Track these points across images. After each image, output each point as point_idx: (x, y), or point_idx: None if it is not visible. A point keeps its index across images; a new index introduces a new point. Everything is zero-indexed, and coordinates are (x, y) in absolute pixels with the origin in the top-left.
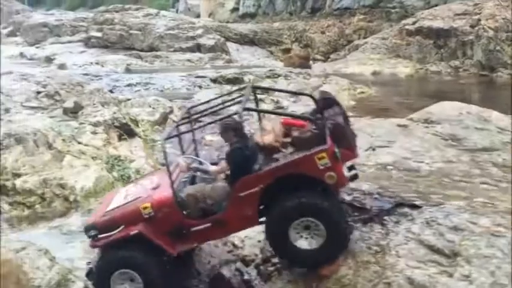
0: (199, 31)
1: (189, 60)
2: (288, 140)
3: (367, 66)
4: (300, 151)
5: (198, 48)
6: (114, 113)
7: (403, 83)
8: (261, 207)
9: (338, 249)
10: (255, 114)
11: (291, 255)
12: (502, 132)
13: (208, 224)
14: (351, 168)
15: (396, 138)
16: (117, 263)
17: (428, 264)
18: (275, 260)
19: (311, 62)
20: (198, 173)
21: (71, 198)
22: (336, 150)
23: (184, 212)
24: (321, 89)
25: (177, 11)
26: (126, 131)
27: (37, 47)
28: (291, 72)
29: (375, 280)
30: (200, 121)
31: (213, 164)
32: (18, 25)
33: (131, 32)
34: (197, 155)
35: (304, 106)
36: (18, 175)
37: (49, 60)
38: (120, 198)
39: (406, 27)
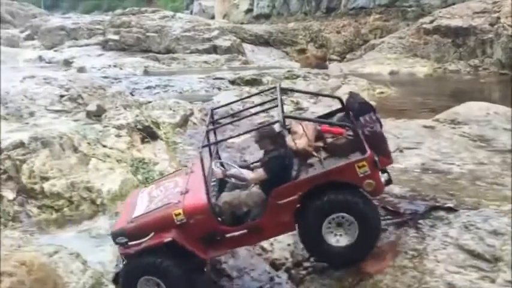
0: (215, 32)
1: (205, 62)
2: (320, 144)
3: (384, 66)
4: (334, 157)
5: (214, 49)
6: (137, 115)
7: (422, 83)
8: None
9: (370, 246)
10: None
11: (325, 253)
12: None
13: (244, 231)
14: (383, 172)
15: (424, 140)
16: (143, 270)
17: (469, 269)
18: (307, 263)
19: (327, 62)
20: (234, 180)
21: (98, 201)
22: (376, 158)
23: (219, 219)
24: (350, 91)
25: (191, 13)
26: (149, 134)
27: (55, 50)
28: (309, 72)
29: (413, 285)
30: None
31: (241, 167)
32: (36, 29)
33: (148, 34)
34: (219, 157)
35: (324, 107)
36: (46, 178)
37: (67, 63)
38: (145, 202)
39: (424, 26)
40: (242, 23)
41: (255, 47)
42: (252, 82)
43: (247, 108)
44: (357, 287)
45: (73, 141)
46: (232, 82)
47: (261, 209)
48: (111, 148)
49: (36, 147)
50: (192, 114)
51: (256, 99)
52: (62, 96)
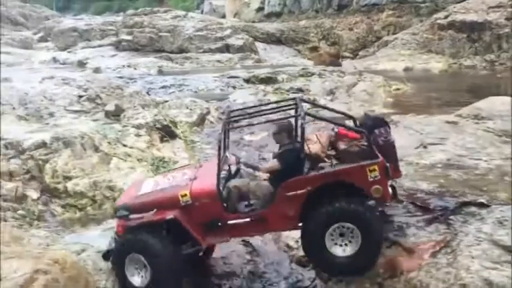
0: (228, 31)
1: (218, 61)
2: (333, 152)
3: (398, 62)
4: (346, 163)
5: (227, 48)
6: (155, 115)
7: (438, 79)
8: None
9: (374, 256)
10: None
11: (327, 262)
12: None
13: (248, 220)
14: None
15: (448, 135)
16: (132, 247)
17: (505, 265)
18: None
19: (340, 59)
20: (243, 167)
21: None
22: (387, 165)
23: (224, 205)
24: (366, 112)
25: (201, 12)
26: (167, 133)
27: (68, 52)
28: (324, 70)
29: (449, 281)
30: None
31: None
32: (49, 30)
33: (161, 34)
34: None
35: (340, 104)
36: (69, 178)
37: (81, 64)
38: (151, 186)
39: (438, 21)
40: (253, 22)
41: (267, 45)
42: (267, 80)
43: (265, 109)
44: (389, 284)
45: (94, 140)
46: (247, 80)
47: (268, 201)
48: (131, 147)
49: (58, 147)
50: (208, 113)
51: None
52: (80, 96)
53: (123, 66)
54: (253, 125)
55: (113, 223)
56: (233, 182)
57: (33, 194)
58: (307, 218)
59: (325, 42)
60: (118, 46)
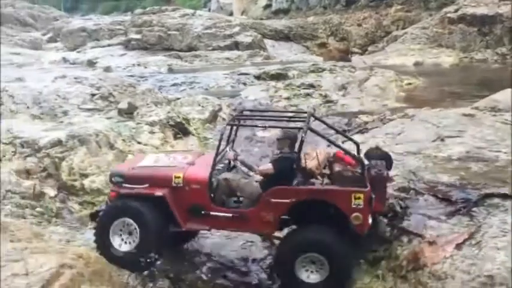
0: (236, 29)
1: (228, 59)
2: (327, 172)
3: (408, 57)
4: (335, 184)
5: (236, 46)
6: (168, 112)
7: (449, 73)
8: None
9: (341, 285)
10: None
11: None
12: None
13: (229, 214)
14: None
15: (465, 128)
16: (122, 212)
17: None
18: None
19: (349, 55)
20: (240, 165)
21: None
22: (372, 196)
23: (212, 195)
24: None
25: (209, 10)
26: (181, 130)
27: (78, 52)
28: (334, 65)
29: (474, 273)
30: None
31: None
32: (58, 31)
33: (169, 32)
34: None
35: (352, 99)
36: (86, 175)
37: (91, 63)
38: (151, 161)
39: (448, 15)
40: (261, 19)
41: (276, 42)
42: (278, 76)
43: (275, 115)
44: (413, 276)
45: (109, 138)
46: (258, 77)
47: (253, 201)
48: (145, 144)
49: (74, 145)
50: (220, 109)
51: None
52: (93, 95)
53: (133, 65)
54: (257, 126)
55: None
56: (224, 175)
57: (51, 192)
58: (280, 243)
59: (334, 38)
60: (127, 45)
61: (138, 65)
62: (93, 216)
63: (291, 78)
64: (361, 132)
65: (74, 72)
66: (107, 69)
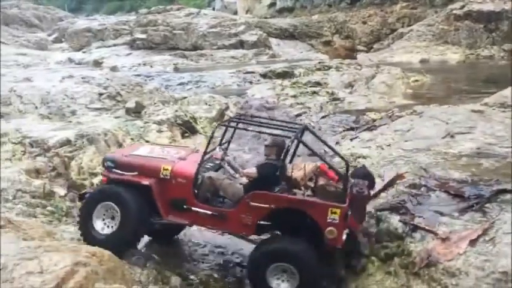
0: (242, 27)
1: (233, 57)
2: (311, 184)
3: (413, 54)
4: (316, 197)
5: (241, 44)
6: (176, 111)
7: (456, 70)
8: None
9: None
10: None
11: None
12: None
13: (209, 212)
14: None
15: (475, 124)
16: (105, 195)
17: None
18: (367, 251)
19: (355, 53)
20: (227, 166)
21: None
22: (349, 213)
23: (195, 191)
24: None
25: (213, 9)
26: (188, 128)
27: (83, 52)
28: (341, 63)
29: (488, 269)
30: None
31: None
32: (63, 31)
33: (175, 32)
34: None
35: (360, 96)
36: (95, 174)
37: (97, 63)
38: (145, 151)
39: (454, 12)
40: (265, 18)
41: (281, 40)
42: (284, 75)
43: (271, 123)
44: (427, 272)
45: (117, 137)
46: (264, 75)
47: (234, 203)
48: (153, 143)
49: (83, 144)
50: (227, 108)
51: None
52: (101, 94)
53: (139, 64)
54: (247, 130)
55: None
56: (209, 174)
57: (61, 191)
58: (253, 250)
59: (339, 36)
60: (132, 45)
61: (144, 64)
62: (81, 198)
63: (297, 76)
64: (369, 129)
65: (81, 72)
66: (113, 68)
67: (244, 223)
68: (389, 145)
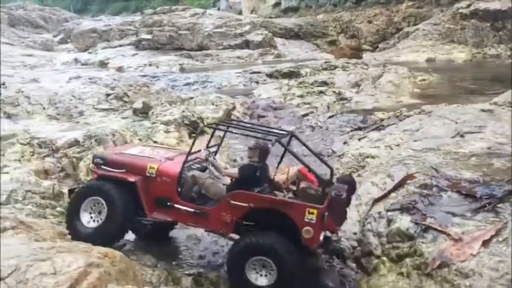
0: (247, 27)
1: (239, 57)
2: (294, 188)
3: (419, 53)
4: (297, 199)
5: (247, 44)
6: (183, 111)
7: (463, 69)
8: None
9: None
10: None
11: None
12: None
13: (191, 209)
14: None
15: (485, 124)
16: (93, 191)
17: None
18: (378, 252)
19: (361, 52)
20: (211, 167)
21: None
22: (326, 214)
23: (179, 189)
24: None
25: (218, 9)
26: (196, 129)
27: (89, 52)
28: (347, 63)
29: (502, 270)
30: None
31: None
32: (69, 32)
33: (180, 32)
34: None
35: (367, 96)
36: None
37: (103, 64)
38: (136, 151)
39: (460, 10)
40: (270, 17)
41: (286, 40)
42: (290, 74)
43: (259, 129)
44: (439, 273)
45: (125, 138)
46: (270, 75)
47: (216, 201)
48: (161, 144)
49: (91, 144)
50: (234, 108)
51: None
52: (108, 95)
53: (145, 65)
54: (232, 132)
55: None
56: (193, 172)
57: None
58: (233, 244)
59: (344, 36)
60: (138, 45)
61: (150, 64)
62: (71, 193)
63: (303, 76)
64: (377, 129)
65: (88, 72)
66: (119, 69)
67: (223, 221)
68: (398, 145)
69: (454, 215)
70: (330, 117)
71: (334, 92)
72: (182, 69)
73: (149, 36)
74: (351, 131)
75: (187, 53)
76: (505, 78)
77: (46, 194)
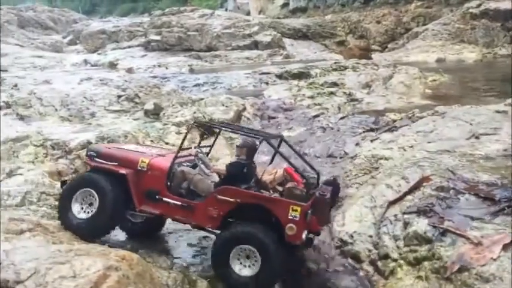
0: (255, 28)
1: (248, 58)
2: (280, 189)
3: (429, 53)
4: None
5: (255, 45)
6: (194, 112)
7: (474, 69)
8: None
9: (272, 277)
10: None
11: (229, 278)
12: None
13: (179, 203)
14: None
15: (501, 125)
16: (85, 182)
17: None
18: (395, 255)
19: (370, 53)
20: (201, 164)
21: None
22: (309, 211)
23: (168, 183)
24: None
25: (226, 10)
26: (207, 130)
27: (98, 54)
28: (357, 63)
29: None
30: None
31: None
32: (78, 33)
33: (189, 33)
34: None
35: (378, 96)
36: None
37: (112, 65)
38: (130, 147)
39: (470, 10)
40: (278, 18)
41: (294, 41)
42: (300, 75)
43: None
44: (459, 277)
45: (137, 139)
46: (280, 76)
47: (203, 197)
48: (173, 145)
49: None
50: (244, 109)
51: None
52: (119, 96)
53: (154, 66)
54: (218, 128)
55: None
56: (182, 168)
57: None
58: (217, 235)
59: (353, 36)
60: (147, 46)
61: (159, 65)
62: (63, 184)
63: (313, 77)
64: (390, 130)
65: (99, 74)
66: (129, 70)
67: (210, 215)
68: (411, 146)
69: (472, 218)
70: (342, 118)
71: (344, 92)
72: (191, 70)
73: (158, 37)
74: (363, 132)
75: (196, 53)
76: None
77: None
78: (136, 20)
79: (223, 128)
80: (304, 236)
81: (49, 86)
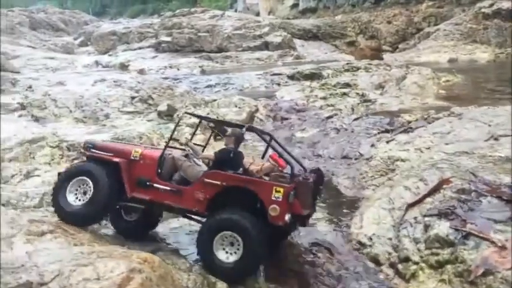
0: (266, 29)
1: (258, 59)
2: (267, 178)
3: (441, 53)
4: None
5: (266, 46)
6: (208, 113)
7: (486, 69)
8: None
9: (253, 264)
10: None
11: (213, 265)
12: None
13: (168, 188)
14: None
15: None
16: (80, 171)
17: None
18: (416, 258)
19: (381, 53)
20: (189, 150)
21: None
22: (292, 193)
23: (159, 171)
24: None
25: (235, 11)
26: (221, 131)
27: (109, 55)
28: (369, 64)
29: None
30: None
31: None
32: (89, 35)
33: (199, 34)
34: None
35: (391, 97)
36: None
37: (123, 66)
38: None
39: (483, 10)
40: (288, 18)
41: (304, 41)
42: (312, 76)
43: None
44: (484, 281)
45: (152, 140)
46: (291, 77)
47: (191, 181)
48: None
49: None
50: (257, 110)
51: None
52: (133, 97)
53: (165, 67)
54: (205, 119)
55: (181, 221)
56: (173, 155)
57: None
58: (202, 223)
59: (363, 37)
60: (158, 48)
61: (170, 67)
62: (58, 175)
63: (325, 78)
64: (405, 131)
65: (112, 75)
66: (141, 71)
67: (197, 199)
68: (428, 148)
69: (495, 221)
70: (355, 119)
71: (357, 93)
72: (203, 71)
73: (169, 39)
74: (378, 133)
75: (207, 55)
76: None
77: None
78: (146, 21)
79: (207, 120)
80: (287, 217)
81: (63, 88)
